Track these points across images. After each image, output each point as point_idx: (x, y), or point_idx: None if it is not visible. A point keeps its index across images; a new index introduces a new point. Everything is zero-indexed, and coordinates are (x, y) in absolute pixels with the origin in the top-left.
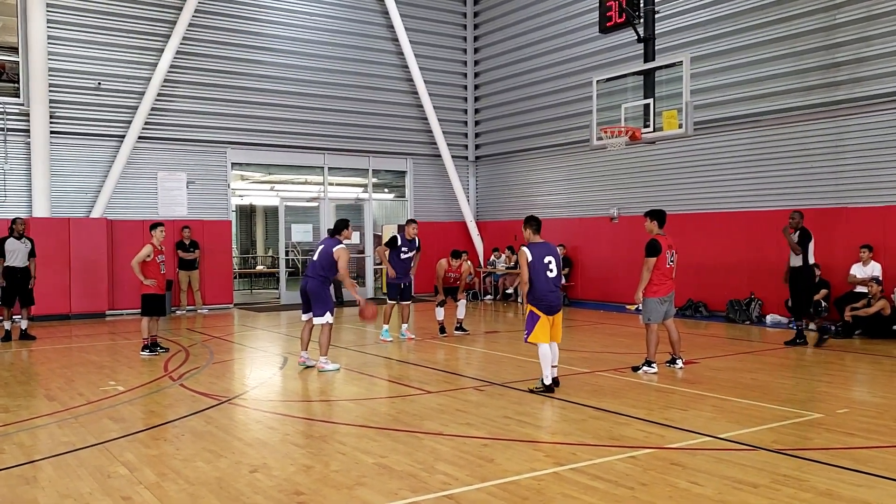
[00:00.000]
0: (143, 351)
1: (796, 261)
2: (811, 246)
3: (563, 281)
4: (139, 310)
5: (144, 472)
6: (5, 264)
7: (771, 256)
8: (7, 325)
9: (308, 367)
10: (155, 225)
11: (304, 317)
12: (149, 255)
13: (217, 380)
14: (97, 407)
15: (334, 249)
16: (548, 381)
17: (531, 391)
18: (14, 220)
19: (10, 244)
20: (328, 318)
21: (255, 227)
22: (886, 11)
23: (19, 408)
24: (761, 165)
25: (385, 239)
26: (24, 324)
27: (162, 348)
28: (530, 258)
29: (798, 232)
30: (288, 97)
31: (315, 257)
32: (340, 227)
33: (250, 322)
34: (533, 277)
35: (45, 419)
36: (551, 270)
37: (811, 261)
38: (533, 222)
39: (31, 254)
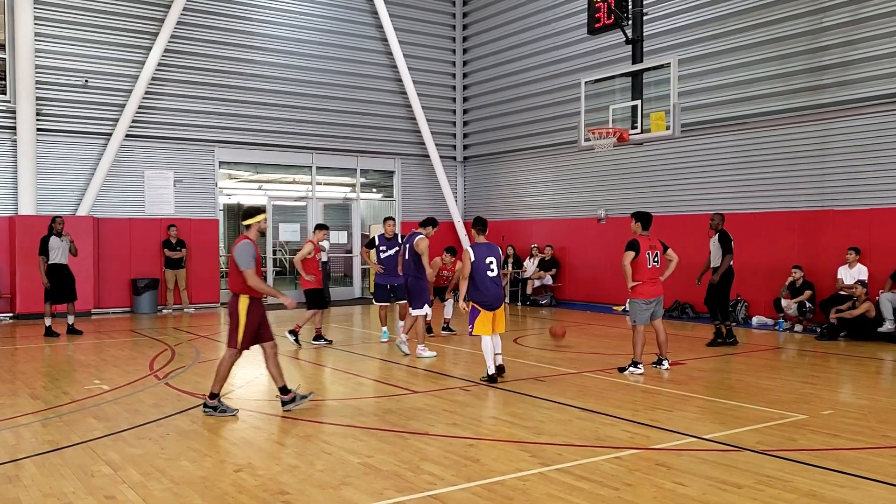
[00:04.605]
0: (291, 336)
1: (718, 262)
2: (732, 246)
3: (552, 281)
4: (305, 303)
5: (128, 471)
6: (49, 262)
7: (756, 258)
8: (48, 321)
9: (405, 353)
10: (319, 226)
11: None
12: (309, 253)
13: (203, 379)
14: (81, 406)
15: (414, 241)
16: (491, 371)
17: (479, 381)
18: (54, 219)
19: (53, 242)
20: (426, 310)
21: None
22: (872, 15)
23: (3, 406)
24: (747, 168)
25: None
26: (70, 319)
27: (326, 340)
28: (473, 258)
29: (718, 234)
30: (276, 96)
31: (406, 255)
32: (426, 223)
33: None
34: (475, 276)
35: (29, 418)
36: (492, 270)
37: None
38: (478, 224)
39: (72, 250)
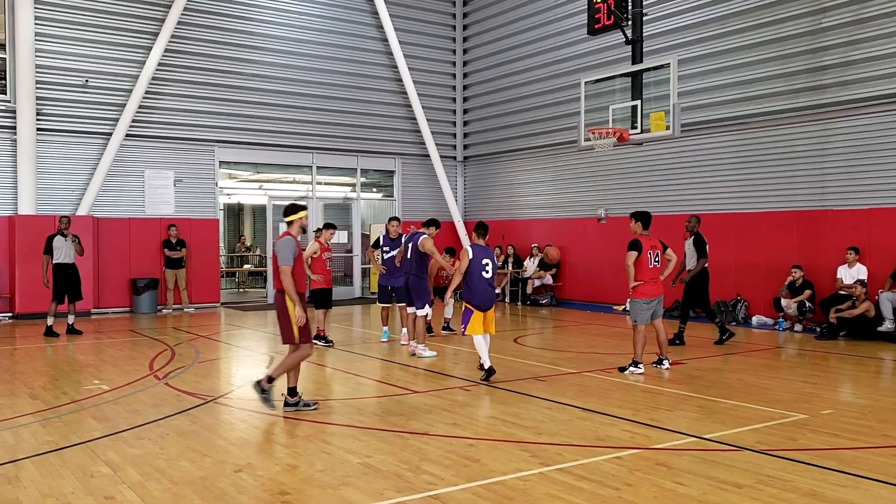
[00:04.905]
0: (316, 341)
1: (693, 265)
2: (707, 250)
3: (552, 281)
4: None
5: (128, 471)
6: (53, 261)
7: (756, 257)
8: (50, 321)
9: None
10: (327, 225)
11: (409, 310)
12: (315, 252)
13: (202, 379)
14: (81, 406)
15: (419, 241)
16: (487, 365)
17: (481, 380)
18: (60, 218)
19: (57, 241)
20: (427, 310)
21: (243, 225)
22: (874, 15)
23: (2, 406)
24: (748, 167)
25: (373, 239)
26: (70, 318)
27: (327, 340)
28: (471, 256)
29: (693, 237)
30: (277, 96)
31: (408, 255)
32: (429, 224)
33: (237, 321)
34: (471, 276)
35: (29, 418)
36: (487, 272)
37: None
38: (480, 228)
39: (78, 250)
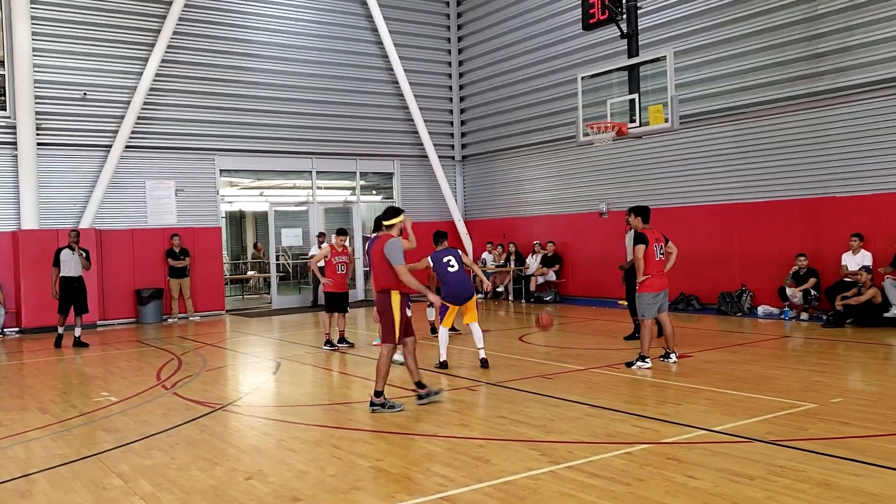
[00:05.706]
0: (325, 345)
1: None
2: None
3: (555, 277)
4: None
5: (139, 482)
6: (60, 274)
7: (759, 247)
8: (60, 330)
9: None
10: (339, 231)
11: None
12: (326, 256)
13: (210, 387)
14: (90, 418)
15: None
16: (442, 360)
17: (434, 367)
18: (70, 232)
19: (64, 255)
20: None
21: (245, 232)
22: (868, 0)
23: (13, 421)
24: (747, 157)
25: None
26: (77, 331)
27: (347, 342)
28: (431, 263)
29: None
30: (274, 103)
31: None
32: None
33: (242, 328)
34: (440, 275)
35: (39, 432)
36: (452, 266)
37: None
38: (438, 236)
39: (84, 265)
